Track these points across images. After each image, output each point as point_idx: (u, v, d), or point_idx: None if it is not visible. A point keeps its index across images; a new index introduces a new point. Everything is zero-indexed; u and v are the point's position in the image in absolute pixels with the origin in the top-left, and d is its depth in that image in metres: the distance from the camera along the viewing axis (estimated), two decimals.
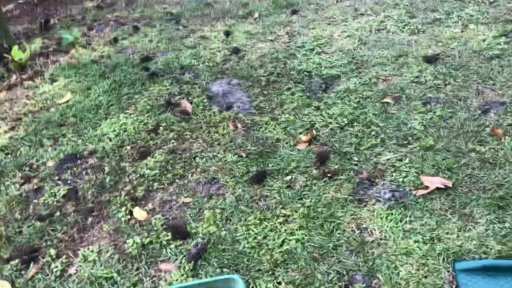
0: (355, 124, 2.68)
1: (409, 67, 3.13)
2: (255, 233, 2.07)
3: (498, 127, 2.45)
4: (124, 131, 2.89)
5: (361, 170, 2.35)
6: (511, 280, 1.70)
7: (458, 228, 1.95)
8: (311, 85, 3.13)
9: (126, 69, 3.61)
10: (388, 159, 2.38)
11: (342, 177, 2.31)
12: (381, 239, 1.97)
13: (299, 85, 3.15)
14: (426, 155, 2.35)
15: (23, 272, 2.06)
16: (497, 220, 1.96)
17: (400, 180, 2.24)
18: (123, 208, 2.31)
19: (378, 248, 1.93)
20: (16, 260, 2.10)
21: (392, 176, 2.28)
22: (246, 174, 2.43)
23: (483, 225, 1.94)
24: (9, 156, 2.82)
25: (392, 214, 2.06)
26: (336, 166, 2.38)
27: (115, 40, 4.30)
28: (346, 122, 2.69)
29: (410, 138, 2.50)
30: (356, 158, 2.42)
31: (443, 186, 2.14)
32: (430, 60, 3.15)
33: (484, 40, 3.28)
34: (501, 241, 1.86)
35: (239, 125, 2.83)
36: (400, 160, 2.36)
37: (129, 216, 2.28)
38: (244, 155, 2.56)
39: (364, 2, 4.32)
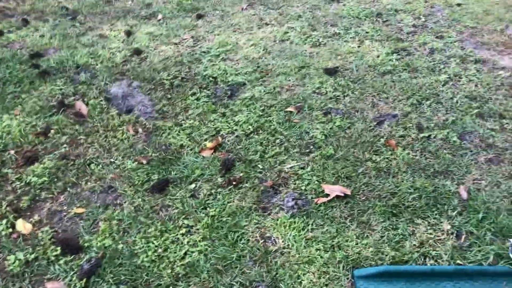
0: (260, 132, 2.67)
1: (311, 78, 3.22)
2: (155, 246, 1.95)
3: (391, 138, 2.60)
4: (8, 133, 2.59)
5: (266, 178, 2.34)
6: (405, 284, 1.79)
7: (356, 236, 2.01)
8: (217, 92, 3.08)
9: (13, 65, 3.27)
10: (291, 167, 2.41)
11: (247, 185, 2.28)
12: (284, 248, 1.97)
13: (204, 90, 3.09)
14: (327, 164, 2.41)
15: None
16: (391, 227, 2.06)
17: (303, 188, 2.27)
18: (4, 221, 2.05)
19: (281, 257, 1.92)
20: None
21: (295, 184, 2.30)
22: (147, 183, 2.30)
23: (378, 232, 2.03)
24: None
25: (295, 222, 2.07)
26: (241, 174, 2.35)
27: (0, 33, 3.88)
28: (252, 129, 2.68)
29: (311, 147, 2.55)
30: (261, 166, 2.41)
31: (342, 194, 2.21)
32: (330, 72, 3.27)
33: (378, 56, 3.48)
34: (395, 247, 1.96)
35: (140, 130, 2.68)
36: (303, 168, 2.40)
37: (11, 230, 2.03)
38: (144, 162, 2.42)
39: (268, 12, 4.39)
